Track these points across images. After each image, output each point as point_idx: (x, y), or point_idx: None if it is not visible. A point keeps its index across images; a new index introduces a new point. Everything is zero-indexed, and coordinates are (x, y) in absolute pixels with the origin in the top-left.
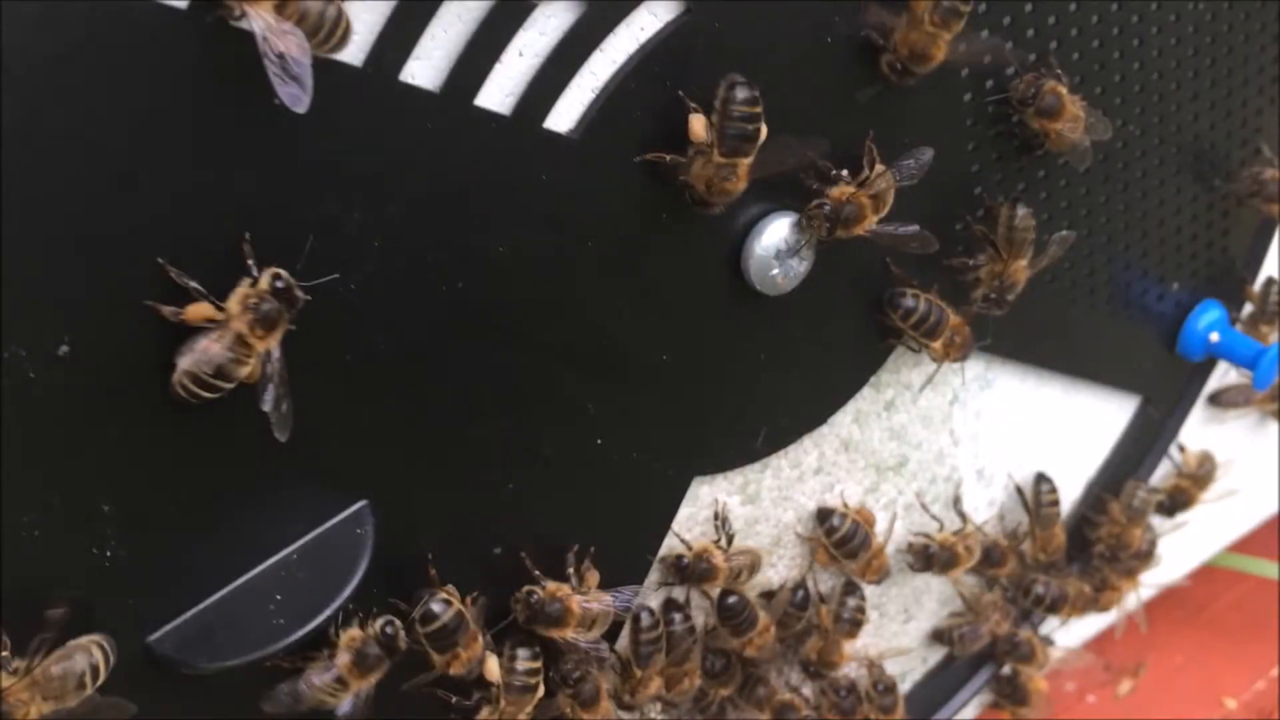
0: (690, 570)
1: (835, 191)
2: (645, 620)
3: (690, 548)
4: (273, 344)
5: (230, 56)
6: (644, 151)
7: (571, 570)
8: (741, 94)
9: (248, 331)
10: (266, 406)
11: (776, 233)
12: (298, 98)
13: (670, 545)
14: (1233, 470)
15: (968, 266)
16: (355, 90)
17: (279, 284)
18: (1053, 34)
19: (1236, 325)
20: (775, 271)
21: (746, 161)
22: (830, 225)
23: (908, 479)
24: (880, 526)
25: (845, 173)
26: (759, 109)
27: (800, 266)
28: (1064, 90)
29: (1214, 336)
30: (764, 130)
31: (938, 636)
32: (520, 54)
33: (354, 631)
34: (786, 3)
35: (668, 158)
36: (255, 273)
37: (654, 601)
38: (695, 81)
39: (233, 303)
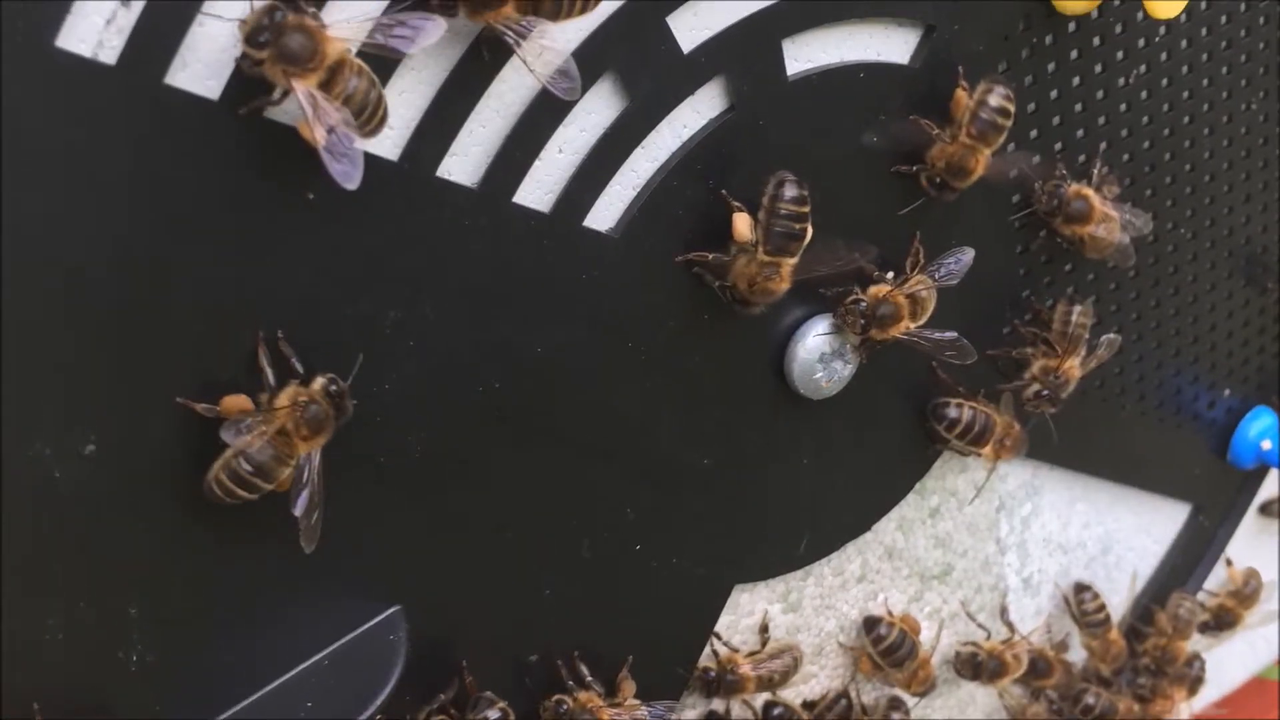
0: (717, 683)
1: (872, 289)
2: None
3: (717, 657)
4: (315, 448)
5: (261, 149)
6: (686, 250)
7: (591, 679)
8: (790, 192)
9: (293, 431)
10: (298, 511)
11: (820, 335)
12: (349, 174)
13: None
14: None
15: (1017, 364)
16: (391, 185)
17: (333, 389)
18: (1102, 134)
19: None
20: (819, 375)
21: (791, 261)
22: (865, 323)
23: (953, 587)
24: (925, 635)
25: (890, 275)
26: (807, 208)
27: (845, 370)
28: (1089, 191)
29: (1266, 444)
30: (810, 230)
31: None
32: (560, 150)
33: None
34: (830, 106)
35: (710, 256)
36: (300, 370)
37: (694, 713)
38: (738, 180)
39: (282, 399)
